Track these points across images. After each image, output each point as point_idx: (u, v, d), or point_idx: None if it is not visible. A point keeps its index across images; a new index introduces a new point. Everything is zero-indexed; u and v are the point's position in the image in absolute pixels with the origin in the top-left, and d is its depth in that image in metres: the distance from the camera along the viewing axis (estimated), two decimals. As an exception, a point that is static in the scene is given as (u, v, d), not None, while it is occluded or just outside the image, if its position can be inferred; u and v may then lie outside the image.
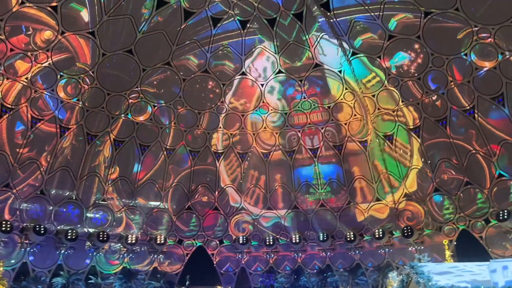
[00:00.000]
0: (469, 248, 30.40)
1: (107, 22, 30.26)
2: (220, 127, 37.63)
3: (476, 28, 27.74)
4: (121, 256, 34.75)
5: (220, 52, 35.03)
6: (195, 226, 37.19)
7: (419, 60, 31.59)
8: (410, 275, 11.87)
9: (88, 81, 31.77)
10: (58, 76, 30.50)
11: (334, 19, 32.43)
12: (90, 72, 31.49)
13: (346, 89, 35.65)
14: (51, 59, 29.60)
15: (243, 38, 34.58)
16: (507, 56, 27.28)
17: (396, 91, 33.46)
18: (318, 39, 33.99)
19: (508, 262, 10.76)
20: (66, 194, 32.68)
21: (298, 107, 37.43)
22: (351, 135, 36.73)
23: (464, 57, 29.30)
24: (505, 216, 28.55)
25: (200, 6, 32.44)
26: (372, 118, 35.38)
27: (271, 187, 38.25)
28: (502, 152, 29.42)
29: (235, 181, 38.35)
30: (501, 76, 28.05)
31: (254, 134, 38.20)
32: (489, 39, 27.55)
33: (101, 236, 32.98)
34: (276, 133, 38.16)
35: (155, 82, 34.82)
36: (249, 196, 38.47)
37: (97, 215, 34.49)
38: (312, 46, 34.51)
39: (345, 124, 36.81)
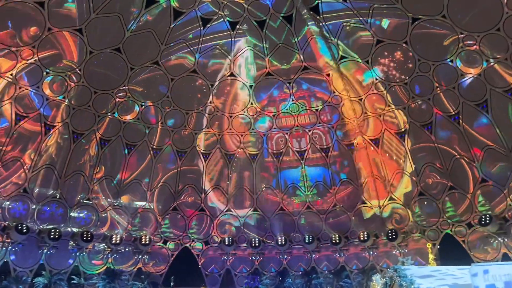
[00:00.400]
0: (452, 252, 30.81)
1: (96, 20, 29.96)
2: (207, 128, 37.56)
3: (462, 35, 28.18)
4: (105, 256, 34.37)
5: (209, 52, 34.95)
6: (181, 226, 36.97)
7: (406, 66, 31.96)
8: (393, 278, 11.99)
9: (74, 78, 31.40)
10: (44, 73, 30.08)
11: (323, 23, 32.67)
12: (77, 69, 31.14)
13: (333, 92, 35.91)
14: (37, 56, 29.19)
15: (233, 39, 34.61)
16: (492, 64, 27.76)
17: (383, 95, 33.88)
18: (308, 41, 34.19)
19: (489, 266, 10.95)
20: (50, 193, 32.20)
21: (286, 110, 37.59)
22: (338, 138, 37.08)
23: (450, 63, 29.76)
24: (487, 221, 29.01)
25: (189, 6, 32.36)
26: (359, 122, 35.73)
27: (257, 188, 38.30)
28: (485, 157, 29.92)
29: (221, 182, 38.27)
30: (485, 83, 28.56)
31: (241, 136, 38.23)
32: (475, 46, 28.00)
33: (85, 235, 32.57)
34: (263, 135, 38.29)
35: (143, 81, 34.55)
36: (235, 197, 38.43)
37: (81, 215, 34.06)
38: (301, 49, 34.67)
39: (333, 127, 37.13)
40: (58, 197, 32.45)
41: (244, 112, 37.57)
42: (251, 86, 36.74)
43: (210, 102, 36.74)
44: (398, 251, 33.59)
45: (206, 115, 37.16)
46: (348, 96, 35.33)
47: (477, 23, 27.13)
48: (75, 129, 32.58)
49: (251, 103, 37.27)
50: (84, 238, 32.53)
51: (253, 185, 38.33)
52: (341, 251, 36.03)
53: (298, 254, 37.21)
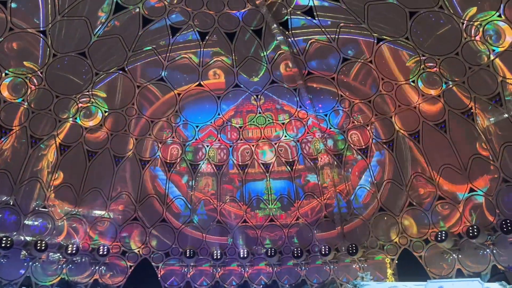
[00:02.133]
0: (410, 267, 31.58)
1: (61, 22, 29.13)
2: (173, 137, 37.12)
3: (423, 57, 29.37)
4: (59, 266, 32.97)
5: (177, 61, 34.71)
6: (141, 237, 36.08)
7: (370, 84, 32.94)
8: (352, 293, 12.09)
9: (35, 81, 30.29)
10: (3, 75, 28.87)
11: (292, 38, 33.25)
12: (38, 72, 30.09)
13: (300, 107, 36.46)
14: (-4, 56, 28.05)
15: (202, 49, 34.55)
16: (450, 86, 29.02)
17: (347, 112, 34.75)
18: (276, 56, 34.63)
19: (444, 282, 11.25)
20: (3, 199, 30.69)
21: (253, 122, 37.77)
22: (303, 152, 37.60)
23: (412, 83, 30.90)
24: (443, 237, 29.99)
25: (159, 14, 32.11)
26: (323, 137, 36.42)
27: (222, 199, 38.08)
28: (443, 175, 31.09)
29: (185, 192, 37.81)
30: (444, 104, 29.84)
31: (207, 146, 38.04)
32: (435, 69, 29.24)
33: (39, 245, 31.15)
34: (230, 146, 38.27)
35: (107, 87, 33.80)
36: (198, 207, 38.01)
37: (36, 223, 32.61)
38: (270, 63, 35.06)
39: (298, 141, 37.62)
40: (11, 203, 30.95)
41: (211, 122, 37.47)
42: (218, 97, 36.70)
43: (177, 112, 36.39)
44: (358, 266, 34.10)
45: (173, 124, 36.79)
46: (314, 111, 35.94)
47: (437, 46, 28.38)
48: (33, 133, 31.34)
49: (218, 114, 37.22)
50: (38, 247, 31.09)
51: (217, 197, 38.09)
52: (302, 265, 36.18)
53: (259, 267, 37.05)
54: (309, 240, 36.80)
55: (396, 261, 32.62)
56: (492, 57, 25.60)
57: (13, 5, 27.17)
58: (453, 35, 26.97)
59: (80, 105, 32.88)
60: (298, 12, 32.00)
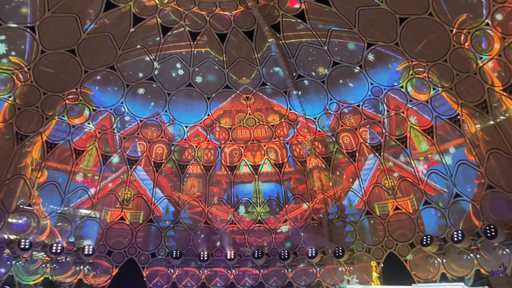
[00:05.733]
0: (395, 271, 31.81)
1: (50, 19, 28.72)
2: (161, 137, 36.93)
3: (413, 63, 29.68)
4: (43, 266, 32.47)
5: (167, 61, 34.53)
6: (127, 237, 35.76)
7: (359, 89, 33.17)
8: (338, 296, 12.11)
9: (21, 77, 29.83)
10: (-11, 70, 28.44)
11: (283, 41, 33.33)
12: (25, 68, 29.65)
13: (290, 109, 36.56)
14: (-19, 51, 27.60)
15: (192, 49, 34.44)
16: (439, 91, 29.36)
17: (336, 116, 34.95)
18: (267, 58, 34.67)
19: (428, 287, 11.31)
20: (-14, 197, 30.18)
21: (243, 123, 37.74)
22: (293, 155, 37.69)
23: (401, 89, 31.21)
24: (428, 241, 30.28)
25: (150, 13, 31.93)
26: (312, 140, 36.55)
27: (209, 201, 37.95)
28: (430, 179, 31.45)
29: (173, 192, 37.61)
30: (432, 110, 30.21)
31: (196, 147, 37.92)
32: (424, 74, 29.57)
33: (22, 243, 30.63)
34: (219, 147, 38.19)
35: (96, 85, 33.49)
36: (187, 208, 37.83)
37: (20, 221, 32.08)
38: (261, 65, 35.07)
39: (288, 143, 37.71)
40: (-5, 201, 30.45)
41: (200, 123, 37.36)
42: (208, 98, 36.60)
43: (166, 111, 36.20)
44: (344, 269, 34.26)
45: (162, 124, 36.58)
46: (304, 114, 36.05)
47: (427, 52, 28.70)
48: (19, 130, 30.88)
49: (208, 114, 37.12)
50: (22, 246, 30.56)
51: (205, 198, 37.95)
52: (289, 267, 36.20)
53: (246, 269, 36.99)
54: (296, 242, 36.86)
55: (382, 265, 32.84)
56: (480, 63, 25.91)
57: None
58: (440, 42, 27.28)
59: (67, 102, 32.50)
60: (290, 15, 32.09)
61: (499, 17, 24.10)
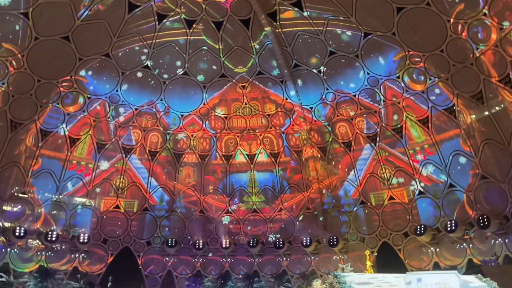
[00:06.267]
0: (389, 259, 32.12)
1: (43, 5, 28.25)
2: (157, 126, 36.79)
3: (410, 53, 29.58)
4: (38, 253, 32.49)
5: (163, 49, 34.20)
6: (123, 225, 35.78)
7: (356, 78, 33.06)
8: (333, 284, 12.24)
9: (15, 64, 29.42)
10: (-19, 57, 28.05)
11: (280, 30, 33.07)
12: (19, 55, 29.25)
13: (286, 99, 36.44)
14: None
15: (188, 37, 34.10)
16: (436, 81, 29.32)
17: (332, 106, 34.89)
18: (263, 47, 34.43)
19: (422, 274, 11.47)
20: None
21: (238, 112, 37.61)
22: (289, 144, 37.70)
23: (398, 79, 31.15)
24: (422, 231, 30.54)
25: (146, 0, 31.53)
26: (308, 130, 36.55)
27: (205, 190, 37.99)
28: (425, 169, 31.60)
29: (168, 181, 37.57)
30: (428, 100, 30.23)
31: (191, 136, 37.81)
32: (420, 64, 29.50)
33: (17, 231, 30.58)
34: (215, 136, 38.11)
35: (91, 73, 33.18)
36: (182, 197, 37.86)
37: (14, 209, 32.01)
38: (257, 54, 34.84)
39: (283, 132, 37.66)
40: (-9, 189, 30.31)
41: (196, 111, 37.20)
42: (204, 86, 36.39)
43: (162, 100, 36.01)
44: (339, 257, 34.52)
45: (157, 112, 36.43)
46: (300, 104, 35.94)
47: (423, 43, 28.58)
48: (13, 117, 30.58)
49: (204, 103, 36.94)
50: (16, 234, 30.52)
51: (200, 187, 37.97)
52: (283, 255, 36.43)
53: (241, 257, 37.18)
54: (291, 231, 37.04)
55: (376, 254, 33.13)
56: (477, 53, 25.85)
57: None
58: (437, 32, 27.17)
59: (61, 89, 32.21)
60: (287, 3, 31.80)
61: (496, 7, 23.98)
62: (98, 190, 35.30)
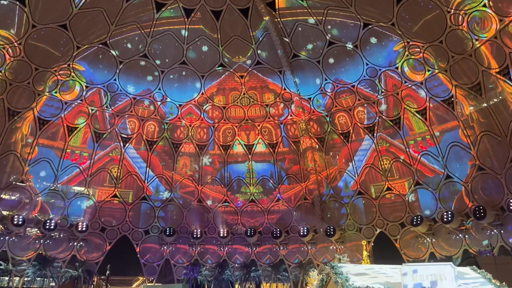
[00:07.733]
0: (386, 250, 32.37)
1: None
2: (155, 115, 36.68)
3: (409, 43, 29.44)
4: (36, 241, 32.61)
5: (161, 37, 33.94)
6: (121, 214, 35.87)
7: (355, 69, 32.94)
8: (329, 274, 12.30)
9: (11, 52, 29.20)
10: (-22, 44, 27.81)
11: (279, 19, 32.82)
12: (15, 43, 29.03)
13: (284, 89, 36.32)
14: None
15: (187, 26, 33.85)
16: (436, 72, 29.22)
17: (331, 96, 34.81)
18: (262, 37, 34.20)
19: (418, 266, 11.51)
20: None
21: (237, 102, 37.49)
22: (287, 134, 37.68)
23: (397, 69, 31.04)
24: (418, 222, 30.73)
25: (143, -12, 31.23)
26: (306, 121, 36.48)
27: (203, 180, 38.04)
28: (422, 161, 31.68)
29: (166, 171, 37.59)
30: (426, 91, 30.18)
31: (189, 126, 37.74)
32: (420, 55, 29.37)
33: (15, 219, 30.68)
34: (212, 127, 38.04)
35: (88, 61, 32.95)
36: (180, 187, 37.92)
37: (12, 197, 32.04)
38: (256, 43, 34.63)
39: (281, 123, 37.61)
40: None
41: (194, 101, 37.09)
42: (202, 76, 36.21)
43: (159, 89, 35.85)
44: (336, 247, 34.74)
45: (154, 101, 36.31)
46: (298, 94, 35.83)
47: (423, 34, 28.44)
48: (10, 105, 30.45)
49: (202, 93, 36.81)
50: (15, 222, 30.63)
51: (199, 177, 38.01)
52: (281, 245, 36.64)
53: (238, 246, 37.39)
54: (288, 221, 37.22)
55: (372, 244, 33.36)
56: (477, 44, 25.73)
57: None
58: (437, 23, 27.01)
59: (59, 78, 32.04)
60: (286, -8, 31.54)
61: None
62: (94, 179, 35.26)
